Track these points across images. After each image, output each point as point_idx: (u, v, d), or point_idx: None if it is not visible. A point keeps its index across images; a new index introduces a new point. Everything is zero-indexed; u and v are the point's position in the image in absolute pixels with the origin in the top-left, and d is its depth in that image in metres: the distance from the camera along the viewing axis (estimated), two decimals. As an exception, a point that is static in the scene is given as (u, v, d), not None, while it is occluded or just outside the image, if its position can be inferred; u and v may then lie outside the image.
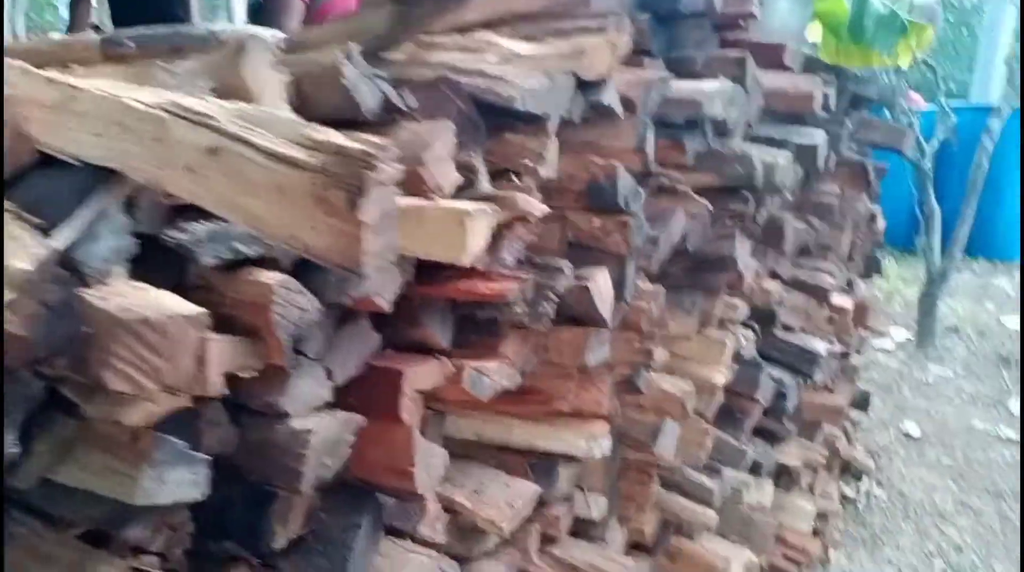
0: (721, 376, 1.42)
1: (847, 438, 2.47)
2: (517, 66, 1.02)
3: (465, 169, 0.88)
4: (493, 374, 0.96)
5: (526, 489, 1.03)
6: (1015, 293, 4.35)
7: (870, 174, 1.87)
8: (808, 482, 1.99)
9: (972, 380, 3.21)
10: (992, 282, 4.50)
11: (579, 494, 1.19)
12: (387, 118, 0.88)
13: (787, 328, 1.75)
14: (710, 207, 1.24)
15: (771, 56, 1.47)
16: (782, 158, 1.34)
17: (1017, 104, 3.48)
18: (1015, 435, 2.77)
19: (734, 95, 1.24)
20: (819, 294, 1.80)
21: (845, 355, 2.27)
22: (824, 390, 1.93)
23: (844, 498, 2.36)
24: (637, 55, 1.28)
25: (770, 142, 1.51)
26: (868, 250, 2.35)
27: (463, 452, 1.07)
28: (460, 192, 0.87)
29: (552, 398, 1.12)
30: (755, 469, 1.65)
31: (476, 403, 0.94)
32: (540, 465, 1.13)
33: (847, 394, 2.34)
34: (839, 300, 2.05)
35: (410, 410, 0.83)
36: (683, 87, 1.19)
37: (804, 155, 1.58)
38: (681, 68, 1.37)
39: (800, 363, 1.71)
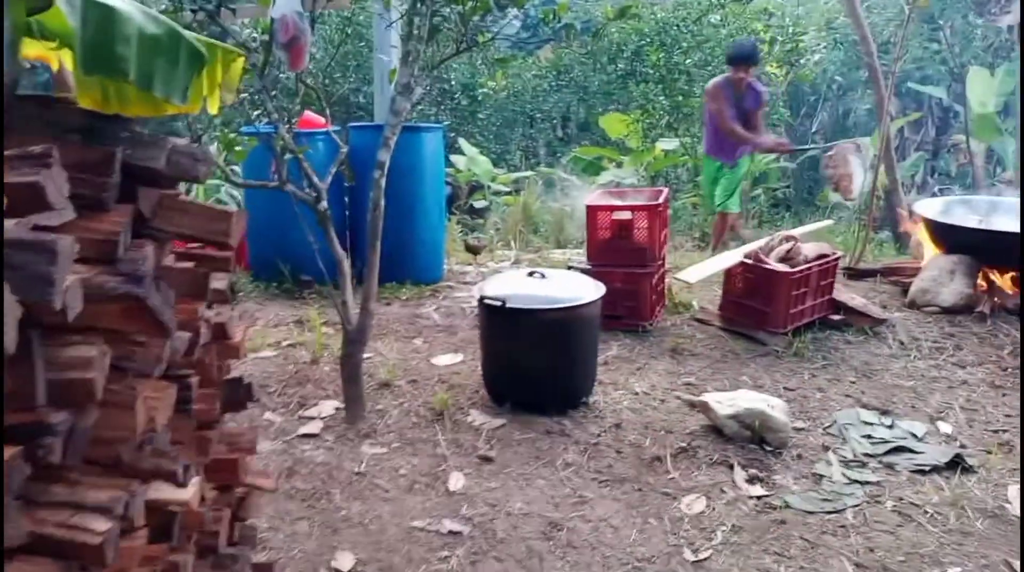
0: None
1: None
2: None
3: None
4: None
5: None
6: (441, 320, 4.23)
7: (152, 306, 1.10)
8: None
9: (407, 453, 2.80)
10: (419, 312, 4.32)
11: None
12: None
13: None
14: None
15: None
16: None
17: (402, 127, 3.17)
18: (456, 525, 2.39)
19: None
20: (90, 554, 0.98)
21: (210, 551, 1.51)
22: None
23: None
24: None
25: None
26: (223, 379, 1.62)
27: None
28: None
29: None
30: None
31: None
32: None
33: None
34: (173, 494, 1.28)
35: None
36: None
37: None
38: None
39: None
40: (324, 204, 3.07)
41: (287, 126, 3.12)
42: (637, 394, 3.37)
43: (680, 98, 8.42)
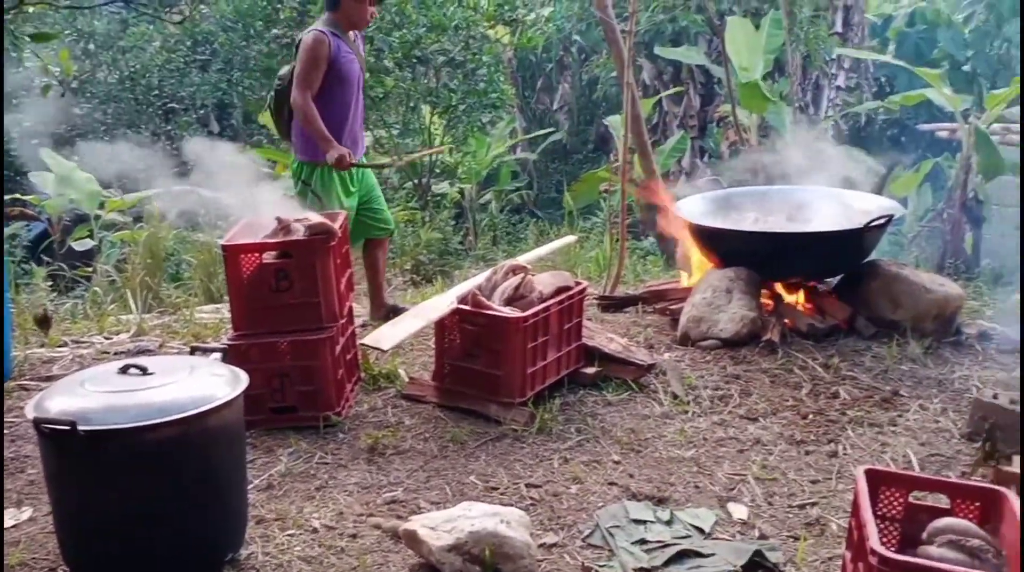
0: None
1: None
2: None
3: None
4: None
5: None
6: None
7: None
8: None
9: None
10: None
11: None
12: None
13: None
14: None
15: None
16: None
17: None
18: None
19: None
20: None
21: None
22: None
23: None
24: None
25: None
26: None
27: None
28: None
29: None
30: None
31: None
32: None
33: None
34: None
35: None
36: None
37: None
38: None
39: None
40: None
41: None
42: (317, 531, 3.11)
43: (368, 75, 8.38)
